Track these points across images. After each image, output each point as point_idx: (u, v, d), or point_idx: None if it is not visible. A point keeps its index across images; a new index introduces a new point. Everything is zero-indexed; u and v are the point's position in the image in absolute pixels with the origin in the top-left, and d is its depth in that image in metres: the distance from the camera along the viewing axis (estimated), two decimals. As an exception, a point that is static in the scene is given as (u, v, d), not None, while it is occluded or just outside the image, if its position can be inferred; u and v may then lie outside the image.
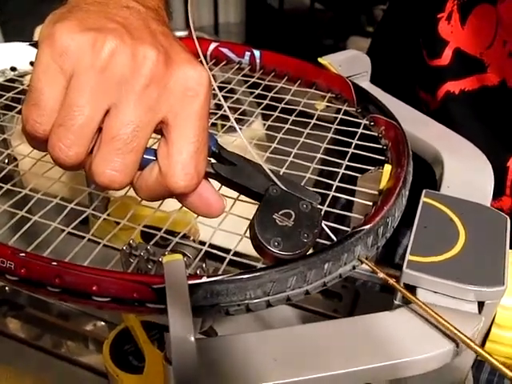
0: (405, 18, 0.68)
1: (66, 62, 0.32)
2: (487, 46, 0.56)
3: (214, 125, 0.57)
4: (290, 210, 0.35)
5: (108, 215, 0.41)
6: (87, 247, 0.37)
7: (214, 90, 0.39)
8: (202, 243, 0.39)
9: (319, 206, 0.37)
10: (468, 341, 0.33)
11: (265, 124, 0.52)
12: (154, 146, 0.35)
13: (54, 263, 0.33)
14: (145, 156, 0.34)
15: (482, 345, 0.39)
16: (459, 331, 0.34)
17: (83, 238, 0.37)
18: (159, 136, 0.35)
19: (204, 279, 0.32)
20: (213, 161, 0.38)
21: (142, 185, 0.35)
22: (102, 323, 0.63)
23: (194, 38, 0.42)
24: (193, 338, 0.29)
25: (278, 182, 0.37)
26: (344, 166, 0.44)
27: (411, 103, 0.55)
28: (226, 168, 0.37)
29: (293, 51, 0.58)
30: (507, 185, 0.60)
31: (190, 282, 0.32)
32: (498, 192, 0.60)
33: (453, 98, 0.60)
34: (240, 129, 0.39)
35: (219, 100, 0.40)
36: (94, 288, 0.32)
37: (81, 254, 0.36)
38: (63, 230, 0.38)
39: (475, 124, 0.60)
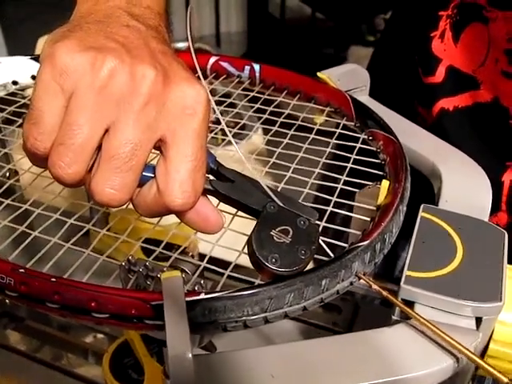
0: (402, 34, 0.69)
1: (66, 81, 0.33)
2: (480, 63, 0.57)
3: (214, 138, 0.57)
4: (287, 227, 0.35)
5: (108, 229, 0.41)
6: (88, 260, 0.37)
7: (214, 104, 0.39)
8: (202, 256, 0.39)
9: (317, 222, 0.37)
10: (470, 354, 0.34)
11: (264, 138, 0.52)
12: (154, 161, 0.35)
13: (53, 279, 0.33)
14: (144, 173, 0.35)
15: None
16: (460, 344, 0.34)
17: (84, 251, 0.38)
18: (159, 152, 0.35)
19: (202, 296, 0.32)
20: (211, 177, 0.38)
21: (141, 202, 0.35)
22: (102, 336, 0.63)
23: (193, 54, 0.42)
24: (190, 355, 0.30)
25: (276, 199, 0.37)
26: (342, 181, 0.45)
27: (410, 117, 0.55)
28: (223, 185, 0.37)
29: (294, 60, 0.58)
30: (503, 200, 0.60)
31: (188, 298, 0.32)
32: (494, 208, 0.60)
33: (447, 115, 0.60)
34: (237, 143, 0.40)
35: (220, 114, 0.40)
36: (93, 304, 0.32)
37: (82, 267, 0.36)
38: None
39: (469, 140, 0.60)
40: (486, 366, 0.33)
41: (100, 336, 0.63)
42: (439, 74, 0.59)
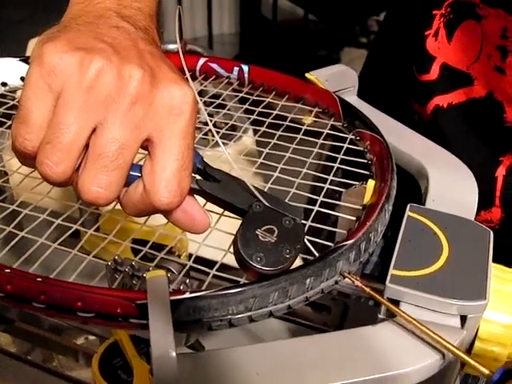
0: (397, 34, 0.70)
1: (54, 80, 0.33)
2: (474, 60, 0.58)
3: (205, 139, 0.58)
4: (272, 226, 0.36)
5: (97, 229, 0.41)
6: (77, 261, 0.37)
7: (202, 105, 0.39)
8: (190, 256, 0.39)
9: (303, 222, 0.37)
10: (454, 349, 0.34)
11: (254, 138, 0.53)
12: (141, 162, 0.36)
13: (39, 279, 0.33)
14: (131, 173, 0.35)
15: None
16: (443, 339, 0.34)
17: (71, 251, 0.38)
18: (147, 152, 0.36)
19: (186, 295, 0.32)
20: (198, 177, 0.38)
21: (128, 201, 0.36)
22: (94, 337, 0.63)
23: (181, 55, 0.42)
24: (174, 354, 0.30)
25: (262, 198, 0.37)
26: (329, 181, 0.45)
27: (408, 115, 0.56)
28: (210, 184, 0.38)
29: (286, 62, 0.58)
30: (496, 195, 0.60)
31: (173, 297, 0.32)
32: (488, 203, 0.60)
33: (442, 112, 0.61)
34: (227, 144, 0.40)
35: (208, 115, 0.40)
36: (79, 304, 0.33)
37: (70, 268, 0.36)
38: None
39: (464, 136, 0.61)
40: (468, 359, 0.34)
41: (91, 338, 0.63)
42: (433, 72, 0.60)
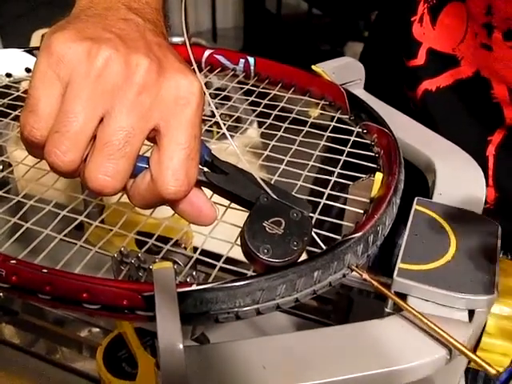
0: (388, 22, 0.71)
1: (62, 69, 0.33)
2: (459, 40, 0.59)
3: (209, 131, 0.57)
4: (280, 218, 0.35)
5: (102, 221, 0.41)
6: (82, 253, 0.37)
7: (209, 97, 0.39)
8: (196, 249, 0.39)
9: (310, 214, 0.37)
10: (460, 346, 0.34)
11: (259, 131, 0.52)
12: (148, 154, 0.35)
13: (45, 270, 0.33)
14: (138, 164, 0.35)
15: (473, 353, 0.40)
16: (451, 337, 0.34)
17: (76, 242, 0.38)
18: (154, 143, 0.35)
19: (193, 287, 0.32)
20: (205, 169, 0.38)
21: (135, 192, 0.36)
22: (98, 329, 0.63)
23: (188, 46, 0.42)
24: (181, 346, 0.30)
25: (269, 191, 0.37)
26: (336, 174, 0.44)
27: (403, 103, 0.57)
28: (217, 176, 0.38)
29: (290, 56, 0.58)
30: (489, 175, 0.61)
31: (180, 289, 0.32)
32: None
33: (431, 96, 0.62)
34: (232, 136, 0.40)
35: (214, 107, 0.40)
36: (85, 295, 0.32)
37: (75, 260, 0.36)
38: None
39: (453, 118, 0.62)
40: (474, 357, 0.33)
41: (95, 330, 0.63)
42: (421, 57, 0.61)
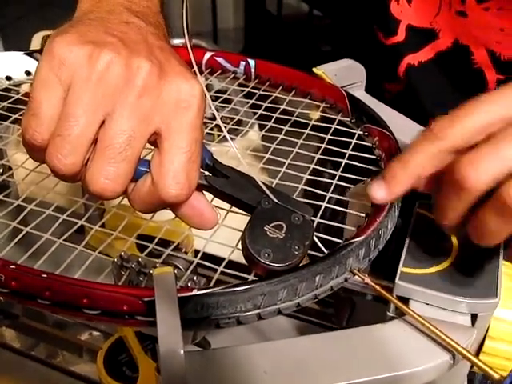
0: (358, 8, 0.73)
1: (63, 73, 0.34)
2: (435, 13, 0.60)
3: (210, 134, 0.57)
4: (281, 223, 0.35)
5: (103, 225, 0.41)
6: (82, 256, 0.37)
7: (210, 99, 0.39)
8: (197, 253, 0.39)
9: (312, 218, 0.37)
10: (463, 351, 0.33)
11: (260, 133, 0.52)
12: (149, 157, 0.35)
13: (44, 276, 0.33)
14: (139, 167, 0.35)
15: (476, 357, 0.39)
16: (454, 341, 0.34)
17: (76, 247, 0.37)
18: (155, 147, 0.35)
19: (194, 292, 0.32)
20: (206, 173, 0.38)
21: (136, 196, 0.36)
22: (98, 333, 0.63)
23: (189, 49, 0.42)
24: (182, 351, 0.29)
25: (270, 195, 0.37)
26: (337, 177, 0.44)
27: (377, 95, 0.57)
28: (219, 180, 0.37)
29: (291, 57, 0.58)
30: None
31: (180, 294, 0.32)
32: None
33: (414, 70, 0.63)
34: (233, 139, 0.39)
35: (215, 109, 0.40)
36: (85, 301, 0.32)
37: (76, 263, 0.36)
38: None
39: (437, 90, 0.63)
40: (478, 362, 0.33)
41: (95, 333, 0.63)
42: (401, 33, 0.63)
